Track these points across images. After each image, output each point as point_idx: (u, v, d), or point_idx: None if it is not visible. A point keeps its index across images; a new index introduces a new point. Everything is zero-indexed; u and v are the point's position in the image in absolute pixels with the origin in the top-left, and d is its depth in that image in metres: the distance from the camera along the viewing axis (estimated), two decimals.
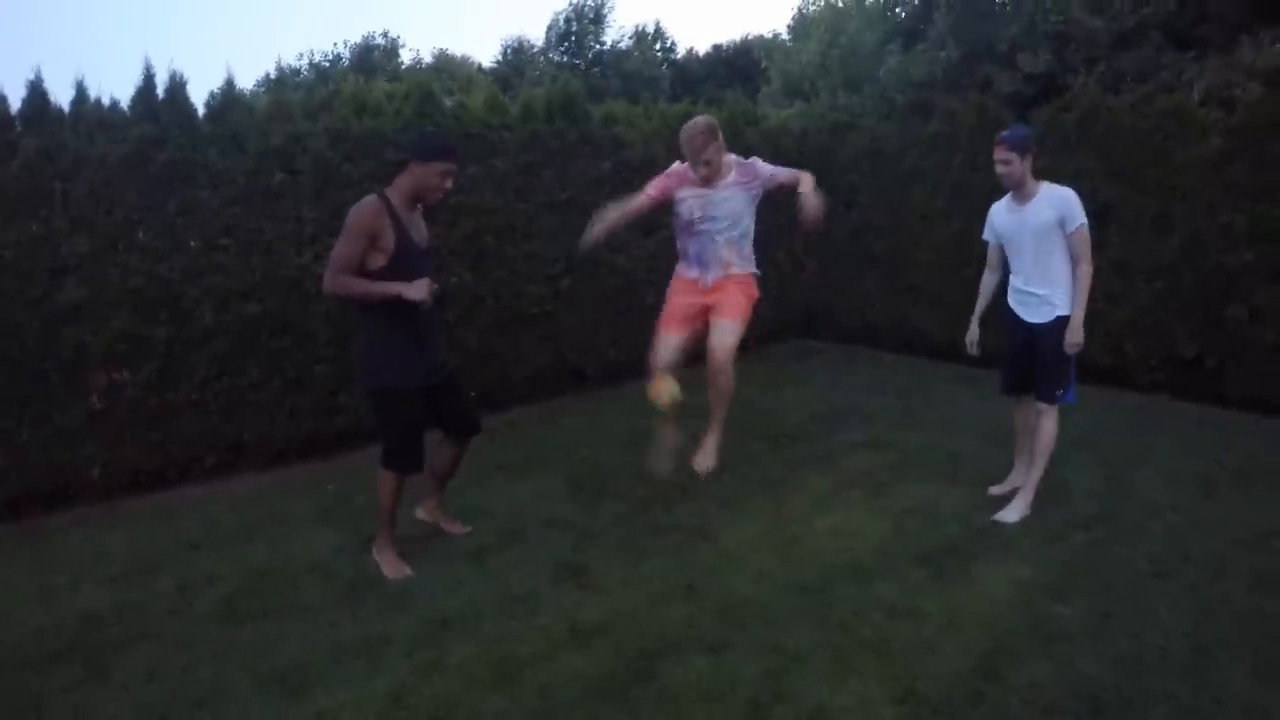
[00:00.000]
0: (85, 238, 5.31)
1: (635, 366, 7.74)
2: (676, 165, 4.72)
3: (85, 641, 3.65)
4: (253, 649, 3.52)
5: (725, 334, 4.56)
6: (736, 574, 3.95)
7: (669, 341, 4.72)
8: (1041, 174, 7.03)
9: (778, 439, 5.44)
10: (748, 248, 4.76)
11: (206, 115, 6.05)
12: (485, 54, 43.01)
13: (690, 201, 4.66)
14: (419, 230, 3.96)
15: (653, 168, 7.71)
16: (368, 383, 4.01)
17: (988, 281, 4.86)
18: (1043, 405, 4.45)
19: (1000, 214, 4.62)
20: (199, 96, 6.13)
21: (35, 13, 55.24)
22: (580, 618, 3.61)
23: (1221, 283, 6.19)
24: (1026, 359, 4.54)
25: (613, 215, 4.64)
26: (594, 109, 7.81)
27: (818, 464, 5.37)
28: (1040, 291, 4.41)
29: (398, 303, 3.76)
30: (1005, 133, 4.43)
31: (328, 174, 6.08)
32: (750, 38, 30.68)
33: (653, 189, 4.71)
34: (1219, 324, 6.23)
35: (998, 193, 7.49)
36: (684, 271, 4.89)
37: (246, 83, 26.80)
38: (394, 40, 32.99)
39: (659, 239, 7.83)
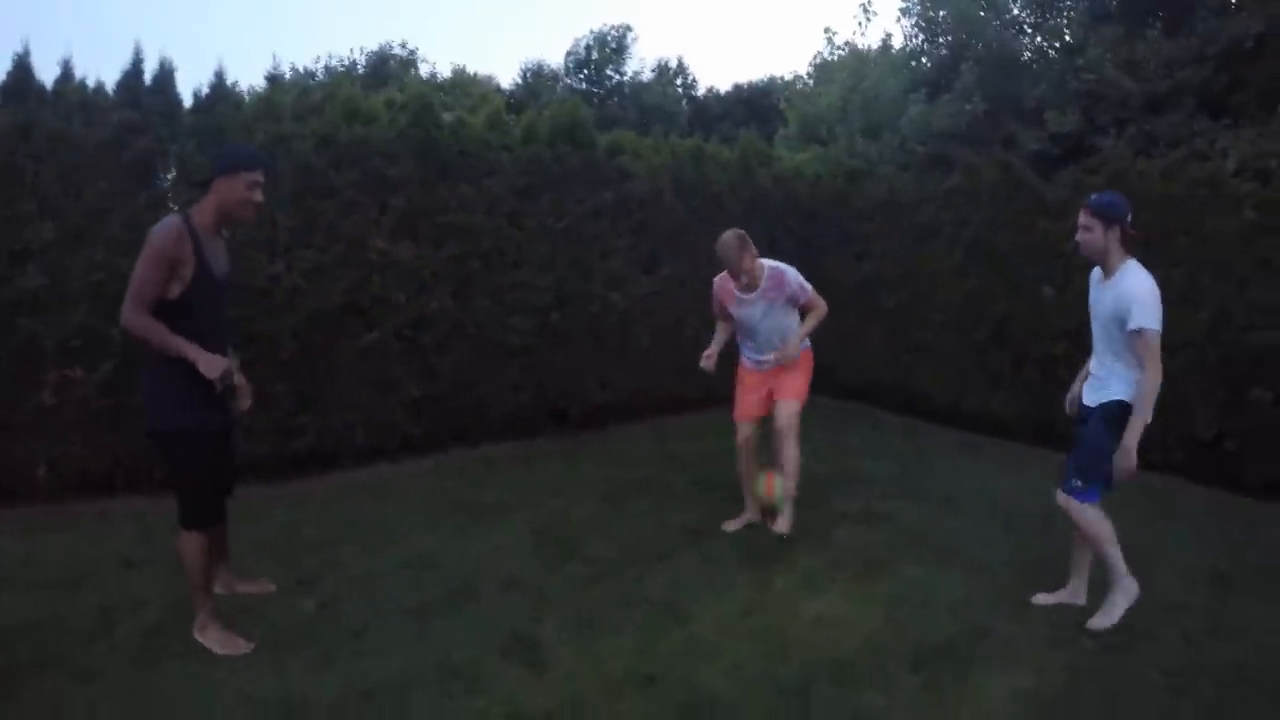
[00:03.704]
0: (51, 224, 5.10)
1: (623, 411, 7.52)
2: (715, 283, 5.09)
3: None
4: (162, 695, 3.23)
5: (786, 413, 4.97)
6: (706, 664, 3.52)
7: (743, 430, 5.14)
8: (1063, 239, 6.80)
9: (769, 505, 5.09)
10: (791, 333, 5.00)
11: (192, 107, 5.85)
12: (506, 76, 42.98)
13: (733, 314, 5.06)
14: (220, 260, 3.55)
15: (658, 202, 7.53)
16: (162, 425, 3.50)
17: None
18: (1060, 495, 3.96)
19: (1093, 284, 4.06)
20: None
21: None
22: (522, 703, 3.20)
23: (1247, 362, 5.86)
24: None
25: (717, 337, 5.14)
26: (600, 136, 7.53)
27: (808, 537, 4.98)
28: (1101, 373, 3.96)
29: (192, 322, 3.37)
30: (1094, 196, 3.92)
31: (309, 180, 5.78)
32: (772, 79, 30.62)
33: (715, 309, 5.19)
34: (1242, 405, 5.89)
35: (1017, 254, 7.31)
36: (746, 360, 5.21)
37: (261, 82, 26.46)
38: (412, 52, 32.72)
39: (659, 277, 7.54)
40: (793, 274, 4.91)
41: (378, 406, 6.15)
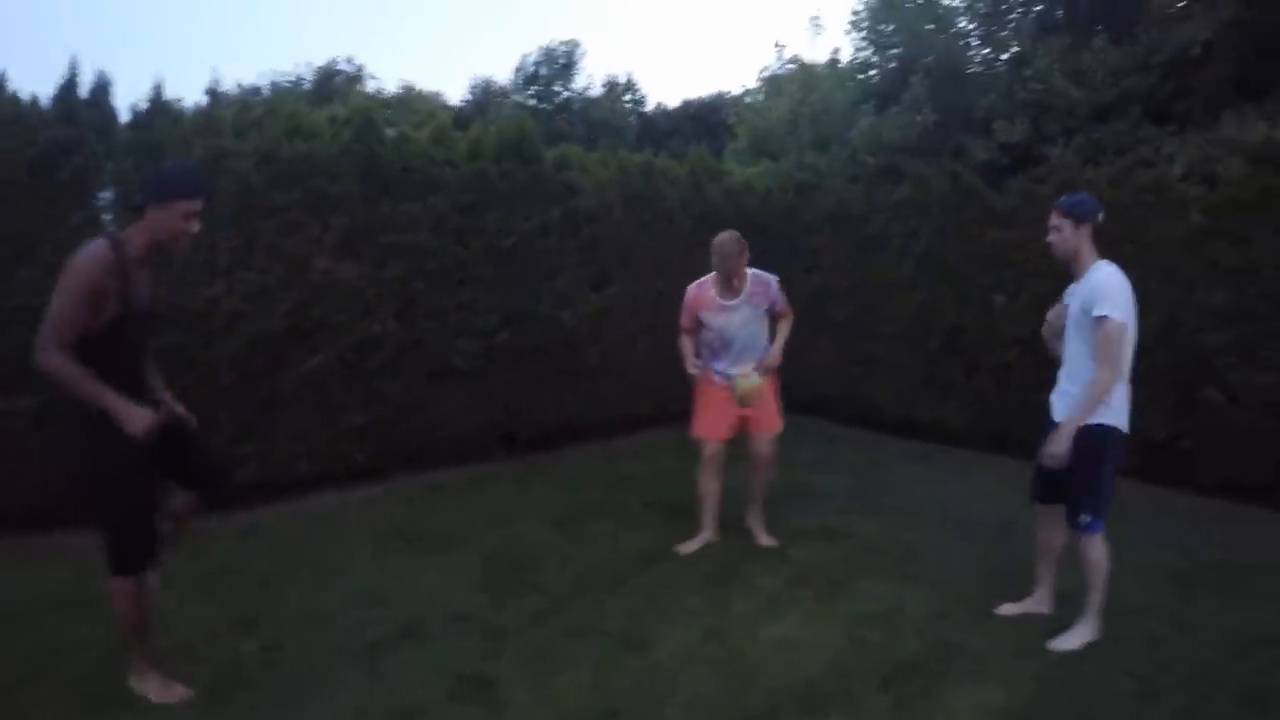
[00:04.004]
0: None
1: (574, 432, 7.40)
2: (690, 291, 5.02)
3: None
4: None
5: (767, 443, 5.06)
6: (666, 696, 3.39)
7: (712, 446, 5.03)
8: (1013, 248, 6.82)
9: (723, 524, 4.98)
10: (763, 343, 5.04)
11: (129, 122, 5.61)
12: (455, 93, 42.78)
13: (710, 323, 4.97)
14: (151, 286, 3.28)
15: (607, 217, 7.42)
16: (87, 467, 3.24)
17: None
18: (1074, 534, 3.87)
19: (1067, 294, 4.01)
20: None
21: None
22: None
23: (1197, 363, 5.92)
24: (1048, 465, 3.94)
25: (686, 350, 5.06)
26: (548, 151, 7.40)
27: (767, 555, 4.91)
28: (1071, 388, 3.88)
29: (115, 358, 3.09)
30: (1063, 197, 3.91)
31: (249, 199, 5.60)
32: (720, 95, 30.65)
33: (685, 321, 5.07)
34: (1193, 406, 5.94)
35: (967, 264, 7.31)
36: (714, 373, 5.05)
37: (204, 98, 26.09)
38: (359, 68, 32.54)
39: (608, 295, 7.43)
40: (774, 279, 4.97)
41: (322, 433, 5.95)
